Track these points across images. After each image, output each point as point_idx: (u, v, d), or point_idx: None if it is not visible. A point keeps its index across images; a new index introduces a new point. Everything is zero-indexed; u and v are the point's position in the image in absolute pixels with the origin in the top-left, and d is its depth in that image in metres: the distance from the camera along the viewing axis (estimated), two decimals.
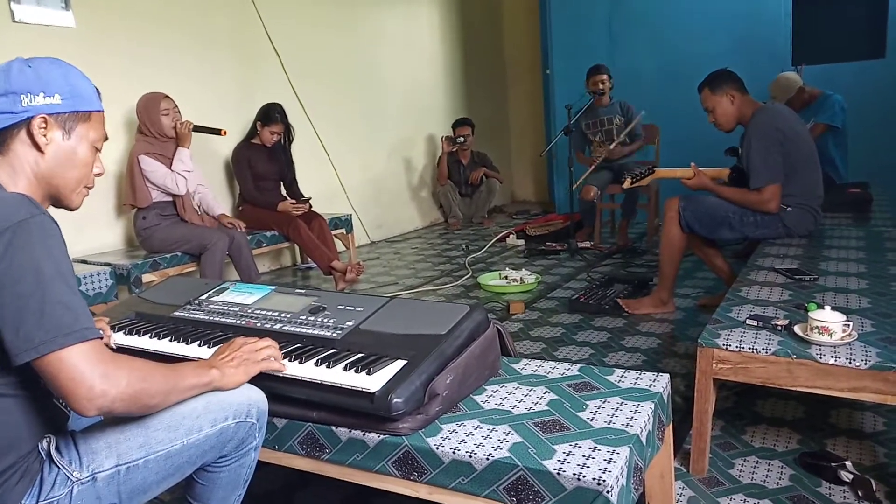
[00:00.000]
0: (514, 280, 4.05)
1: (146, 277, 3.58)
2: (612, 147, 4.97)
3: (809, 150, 2.99)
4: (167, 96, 3.77)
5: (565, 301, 3.72)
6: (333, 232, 4.65)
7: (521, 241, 5.40)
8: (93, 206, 3.93)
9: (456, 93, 7.08)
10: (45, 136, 1.23)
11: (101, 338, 1.14)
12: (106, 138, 1.35)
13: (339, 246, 4.76)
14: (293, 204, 4.47)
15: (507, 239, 5.50)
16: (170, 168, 3.74)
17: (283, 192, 4.70)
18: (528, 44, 7.55)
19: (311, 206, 4.56)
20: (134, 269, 3.53)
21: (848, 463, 1.89)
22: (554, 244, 5.13)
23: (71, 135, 1.27)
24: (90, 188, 1.35)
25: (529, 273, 4.15)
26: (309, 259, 4.76)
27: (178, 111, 3.81)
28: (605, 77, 5.00)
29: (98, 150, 1.33)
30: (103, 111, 1.34)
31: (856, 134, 4.63)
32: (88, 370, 1.09)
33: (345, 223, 4.96)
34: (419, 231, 6.47)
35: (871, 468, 1.92)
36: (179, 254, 3.76)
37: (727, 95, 3.01)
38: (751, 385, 1.90)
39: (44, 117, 1.22)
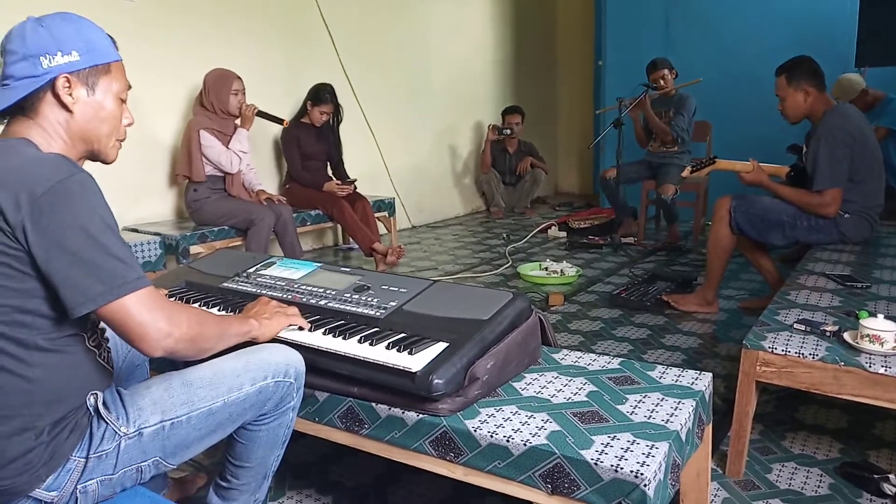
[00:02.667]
0: (555, 272, 4.03)
1: (194, 249, 3.67)
2: (643, 99, 4.79)
3: (876, 157, 2.89)
4: (239, 77, 3.85)
5: (606, 295, 3.69)
6: (376, 214, 4.68)
7: (563, 233, 5.36)
8: (146, 176, 4.04)
9: (505, 80, 7.03)
10: (70, 95, 1.23)
11: (153, 285, 1.20)
12: (129, 87, 1.34)
13: (381, 229, 4.79)
14: (338, 185, 4.51)
15: (549, 230, 5.47)
16: (227, 146, 3.82)
17: (330, 172, 4.75)
18: (582, 33, 7.45)
19: (355, 188, 4.60)
20: (183, 240, 3.62)
21: (891, 476, 1.84)
22: (596, 238, 5.09)
23: (95, 90, 1.26)
24: (122, 140, 1.36)
25: (570, 265, 4.12)
26: (351, 240, 4.81)
27: (245, 92, 3.88)
28: (665, 72, 4.88)
29: (123, 100, 1.32)
30: (121, 60, 1.32)
31: None
32: (152, 314, 1.17)
33: (388, 206, 4.99)
34: (460, 218, 6.47)
35: None
36: (227, 227, 3.83)
37: (802, 91, 2.91)
38: (793, 391, 1.87)
39: (66, 77, 1.22)
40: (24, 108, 1.22)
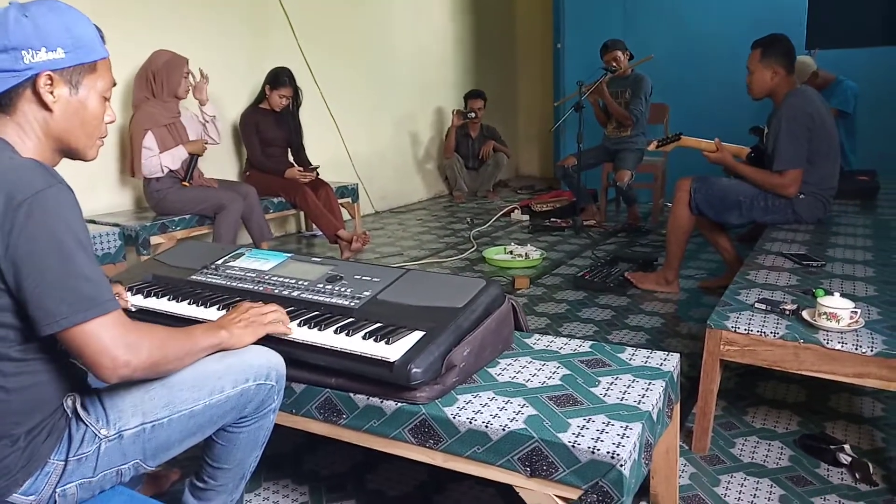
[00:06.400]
0: (520, 255, 4.07)
1: (154, 239, 3.60)
2: (599, 84, 4.86)
3: (832, 141, 2.98)
4: (186, 59, 3.78)
5: (570, 278, 3.75)
6: (339, 201, 4.65)
7: (526, 217, 5.41)
8: (101, 166, 3.92)
9: (465, 65, 7.02)
10: (51, 93, 1.17)
11: (120, 308, 1.16)
12: (114, 84, 1.28)
13: (345, 215, 4.76)
14: (301, 171, 4.46)
15: (513, 214, 5.51)
16: (174, 128, 3.77)
17: (291, 158, 4.69)
18: (540, 17, 7.47)
19: (318, 175, 4.55)
20: (143, 230, 3.55)
21: (846, 446, 1.94)
22: (559, 220, 5.15)
23: (78, 89, 1.20)
24: (104, 138, 1.30)
25: (535, 249, 4.17)
26: (314, 226, 4.77)
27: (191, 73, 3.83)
28: (617, 54, 4.93)
29: (107, 98, 1.26)
30: (108, 56, 1.26)
31: (866, 121, 4.62)
32: (112, 342, 1.12)
33: (351, 192, 4.96)
34: (423, 203, 6.47)
35: (868, 452, 1.97)
36: (188, 217, 3.77)
37: (771, 69, 2.96)
38: (753, 367, 1.94)
39: (49, 74, 1.16)
40: (0, 102, 1.16)
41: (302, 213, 5.00)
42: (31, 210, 1.07)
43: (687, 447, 2.00)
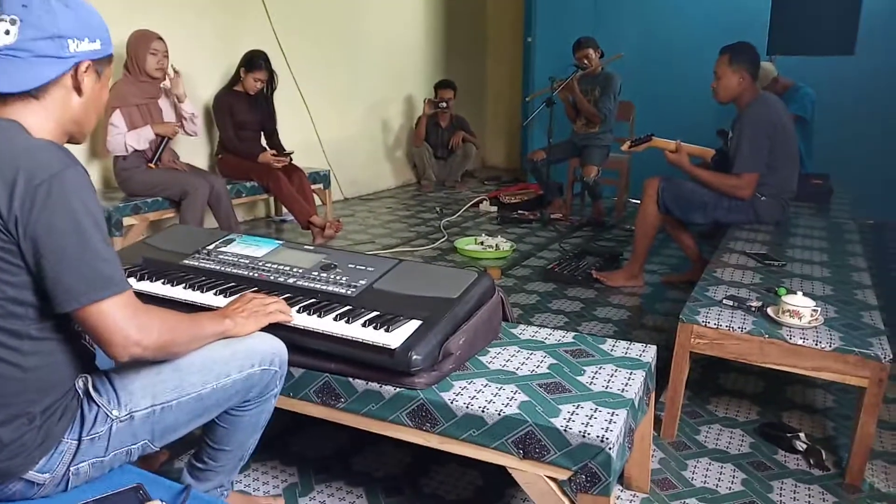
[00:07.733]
0: (490, 246, 4.16)
1: (127, 221, 3.57)
2: (570, 81, 4.97)
3: (793, 147, 3.14)
4: (161, 38, 3.73)
5: (539, 270, 3.86)
6: (311, 187, 4.66)
7: (495, 208, 5.50)
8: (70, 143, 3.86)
9: (436, 55, 7.05)
10: (85, 81, 1.21)
11: (132, 289, 1.20)
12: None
13: (316, 201, 4.77)
14: (274, 156, 4.46)
15: (481, 205, 5.60)
16: (149, 110, 3.73)
17: (264, 142, 4.68)
18: (512, 9, 7.54)
19: (291, 160, 4.55)
20: (115, 211, 3.51)
21: (802, 434, 2.08)
22: (526, 213, 5.25)
23: (101, 78, 1.26)
24: None
25: (504, 240, 4.26)
26: (285, 211, 4.77)
27: (168, 56, 3.77)
28: (589, 51, 5.03)
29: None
30: None
31: (821, 127, 4.84)
32: (125, 321, 1.16)
33: (323, 178, 4.96)
34: (392, 190, 6.50)
35: (821, 440, 2.13)
36: (161, 199, 3.74)
37: (739, 75, 3.07)
38: (715, 359, 2.07)
39: (89, 63, 1.20)
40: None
41: (272, 198, 4.99)
42: (50, 190, 1.10)
43: (656, 434, 2.12)
